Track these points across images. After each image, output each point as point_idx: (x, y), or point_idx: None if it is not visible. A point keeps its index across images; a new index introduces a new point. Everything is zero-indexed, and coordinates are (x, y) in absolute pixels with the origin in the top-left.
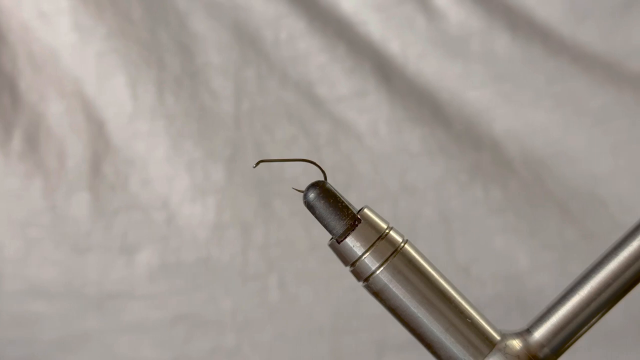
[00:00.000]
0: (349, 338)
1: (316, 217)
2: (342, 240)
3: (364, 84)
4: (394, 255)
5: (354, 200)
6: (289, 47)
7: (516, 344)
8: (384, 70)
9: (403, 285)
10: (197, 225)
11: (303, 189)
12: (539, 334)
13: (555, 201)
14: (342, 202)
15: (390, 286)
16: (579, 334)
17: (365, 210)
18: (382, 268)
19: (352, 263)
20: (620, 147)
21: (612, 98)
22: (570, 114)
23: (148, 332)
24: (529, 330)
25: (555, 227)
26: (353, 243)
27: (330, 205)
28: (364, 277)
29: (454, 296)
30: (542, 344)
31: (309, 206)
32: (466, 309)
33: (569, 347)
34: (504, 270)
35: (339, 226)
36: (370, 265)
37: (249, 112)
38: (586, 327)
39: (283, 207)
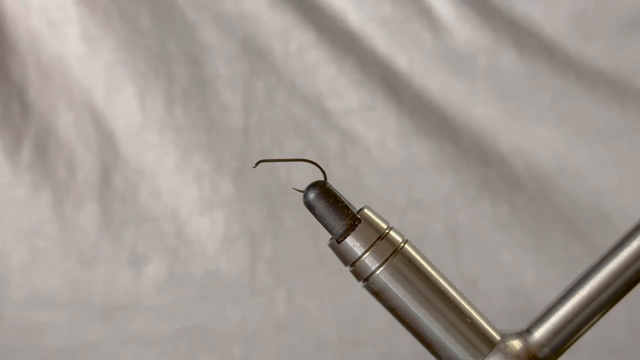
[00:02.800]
0: (356, 351)
1: (316, 217)
2: (342, 240)
3: (372, 97)
4: (394, 255)
5: None
6: (298, 58)
7: (516, 344)
8: (391, 83)
9: (403, 285)
10: (205, 238)
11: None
12: (539, 334)
13: (561, 216)
14: (342, 202)
15: (390, 286)
16: (579, 334)
17: (365, 210)
18: (382, 268)
19: (352, 263)
20: (625, 163)
21: (617, 116)
22: (575, 131)
23: (154, 344)
24: (529, 330)
25: (562, 242)
26: (353, 243)
27: (330, 205)
28: (364, 277)
29: (454, 296)
30: (542, 344)
31: (309, 206)
32: (466, 308)
33: (569, 347)
34: (511, 284)
35: (339, 226)
36: (370, 265)
37: (257, 125)
38: (586, 327)
39: (291, 220)
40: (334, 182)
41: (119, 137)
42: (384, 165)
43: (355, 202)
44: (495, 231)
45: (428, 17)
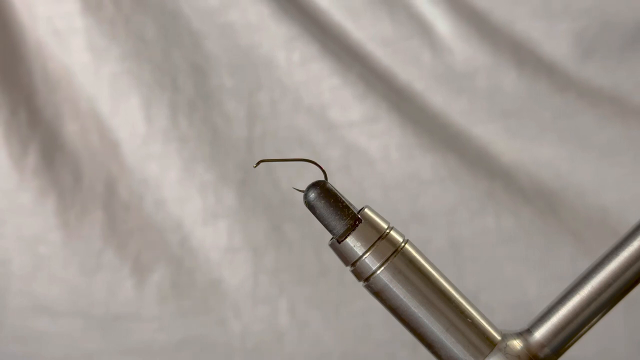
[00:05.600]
0: None
1: (317, 217)
2: (342, 240)
3: (376, 109)
4: (395, 255)
5: None
6: (302, 69)
7: (517, 344)
8: (395, 95)
9: (403, 285)
10: (209, 248)
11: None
12: (539, 333)
13: (567, 230)
14: (343, 201)
15: (391, 286)
16: (579, 334)
17: (366, 210)
18: (382, 268)
19: (352, 263)
20: (628, 179)
21: (618, 133)
22: (577, 149)
23: (154, 355)
24: (529, 330)
25: (568, 257)
26: (354, 243)
27: (330, 205)
28: (365, 277)
29: (454, 296)
30: (542, 344)
31: (310, 206)
32: (467, 308)
33: (569, 347)
34: (513, 298)
35: (340, 226)
36: (370, 265)
37: (261, 136)
38: (587, 327)
39: (293, 231)
40: None
41: (124, 146)
42: (388, 177)
43: None
44: (499, 245)
45: (428, 36)
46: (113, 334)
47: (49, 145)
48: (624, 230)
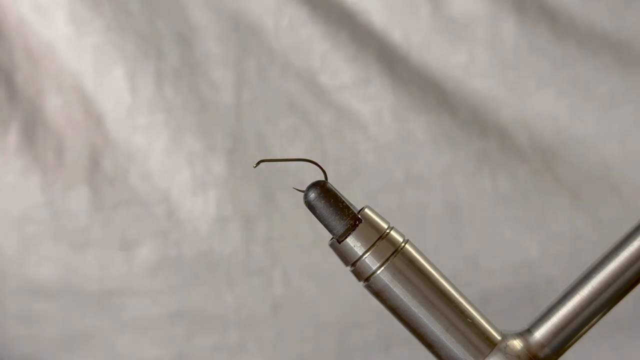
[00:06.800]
0: (355, 332)
1: (317, 217)
2: (342, 240)
3: (367, 72)
4: (395, 255)
5: (359, 190)
6: (291, 35)
7: (517, 344)
8: (387, 57)
9: (403, 285)
10: (198, 219)
11: (304, 185)
12: (539, 334)
13: (565, 188)
14: (343, 202)
15: (391, 286)
16: (579, 334)
17: (366, 210)
18: (382, 268)
19: (352, 263)
20: (630, 132)
21: (620, 82)
22: (578, 100)
23: (149, 329)
24: (529, 330)
25: (566, 216)
26: (354, 243)
27: (330, 205)
28: (365, 277)
29: (454, 296)
30: (542, 344)
31: (310, 206)
32: (467, 308)
33: (569, 347)
34: (513, 260)
35: (340, 226)
36: (370, 265)
37: (249, 103)
38: (587, 327)
39: (286, 199)
40: (330, 160)
41: (109, 119)
42: (381, 141)
43: (352, 180)
44: (496, 206)
45: None
46: (108, 310)
47: (31, 122)
48: (625, 187)
